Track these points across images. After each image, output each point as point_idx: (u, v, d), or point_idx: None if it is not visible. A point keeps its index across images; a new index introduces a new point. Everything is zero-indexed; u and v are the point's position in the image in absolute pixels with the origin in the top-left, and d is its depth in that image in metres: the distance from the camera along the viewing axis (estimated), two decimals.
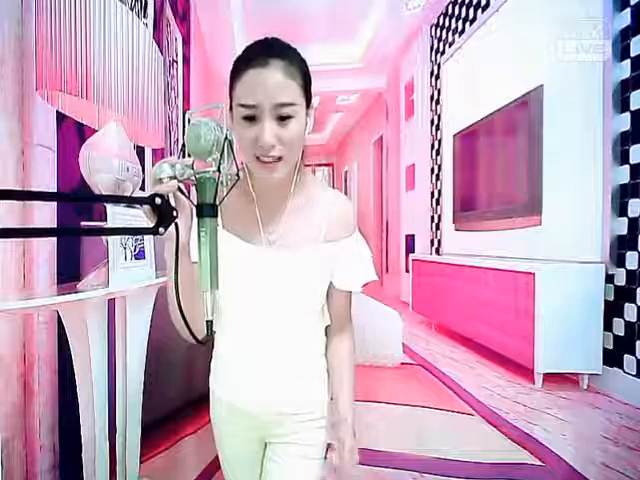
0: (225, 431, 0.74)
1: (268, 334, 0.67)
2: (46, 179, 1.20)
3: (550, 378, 2.35)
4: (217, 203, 0.51)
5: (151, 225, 0.48)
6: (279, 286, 0.64)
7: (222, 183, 0.51)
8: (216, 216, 0.51)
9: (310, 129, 0.62)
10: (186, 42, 3.78)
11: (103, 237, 0.99)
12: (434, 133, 4.65)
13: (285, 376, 0.68)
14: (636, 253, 2.10)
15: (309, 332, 0.70)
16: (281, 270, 0.63)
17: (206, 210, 0.50)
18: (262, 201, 0.65)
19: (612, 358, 2.23)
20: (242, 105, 0.55)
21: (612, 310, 2.24)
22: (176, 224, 0.50)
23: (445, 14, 4.30)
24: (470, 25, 3.71)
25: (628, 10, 2.15)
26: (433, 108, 4.65)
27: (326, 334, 0.75)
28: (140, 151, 2.16)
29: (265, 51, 0.55)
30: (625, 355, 2.16)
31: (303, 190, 0.67)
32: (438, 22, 4.49)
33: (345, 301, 0.73)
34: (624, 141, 2.18)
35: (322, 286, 0.68)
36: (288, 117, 0.55)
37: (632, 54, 2.13)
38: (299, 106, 0.56)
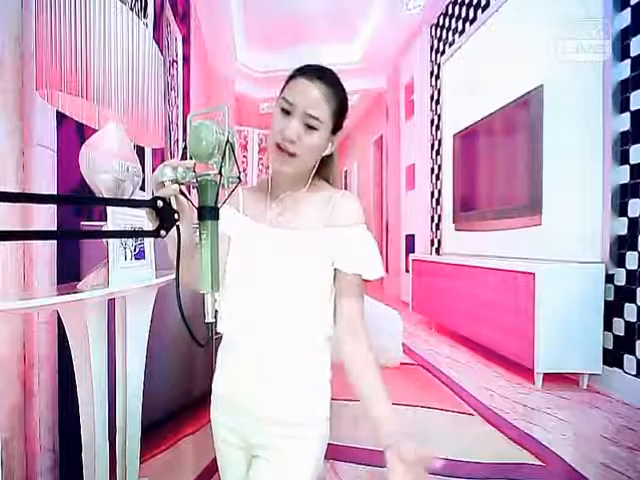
0: (220, 435, 0.74)
1: (267, 315, 0.66)
2: (46, 179, 1.20)
3: (550, 378, 2.35)
4: (218, 206, 0.51)
5: (153, 227, 0.48)
6: (281, 263, 0.67)
7: (223, 186, 0.51)
8: (217, 219, 0.51)
9: (329, 152, 0.71)
10: (186, 42, 3.77)
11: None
12: (434, 133, 4.64)
13: (277, 370, 0.67)
14: (636, 253, 2.10)
15: (308, 322, 0.68)
16: (284, 247, 0.67)
17: (207, 213, 0.50)
18: (277, 191, 0.73)
19: (612, 358, 2.23)
20: (284, 98, 0.66)
21: (612, 310, 2.24)
22: (177, 226, 0.50)
23: (445, 14, 4.30)
24: (470, 25, 3.71)
25: (628, 10, 2.15)
26: (433, 108, 4.65)
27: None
28: (140, 151, 2.16)
29: (318, 71, 0.67)
30: (625, 355, 2.16)
31: (316, 190, 0.73)
32: (438, 22, 4.48)
33: (353, 290, 0.69)
34: (624, 141, 2.18)
35: (322, 272, 0.67)
36: (313, 128, 0.65)
37: (632, 54, 2.13)
38: (324, 125, 0.66)
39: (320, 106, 0.65)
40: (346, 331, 0.69)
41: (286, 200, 0.72)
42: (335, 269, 0.68)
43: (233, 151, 0.51)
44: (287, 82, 0.69)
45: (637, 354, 2.08)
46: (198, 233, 0.51)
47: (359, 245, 0.68)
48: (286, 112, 0.65)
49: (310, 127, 0.65)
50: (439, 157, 4.46)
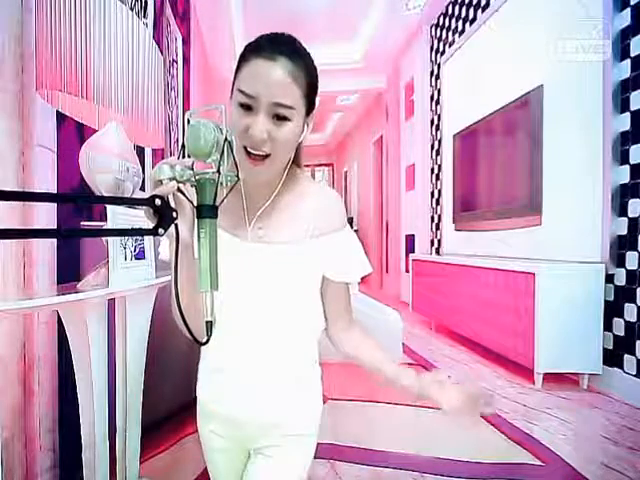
0: (210, 445, 0.72)
1: (255, 331, 0.64)
2: (46, 179, 1.20)
3: (550, 378, 2.35)
4: (217, 204, 0.51)
5: (151, 226, 0.48)
6: (266, 281, 0.62)
7: (222, 184, 0.51)
8: (216, 217, 0.51)
9: (306, 135, 0.62)
10: (186, 42, 3.78)
11: (103, 237, 0.99)
12: (434, 133, 4.65)
13: (271, 380, 0.66)
14: (636, 253, 2.10)
15: (298, 333, 0.67)
16: (269, 264, 0.62)
17: (206, 211, 0.50)
18: (251, 196, 0.64)
19: (612, 358, 2.23)
20: (242, 91, 0.55)
21: (612, 310, 2.24)
22: (176, 225, 0.50)
23: (445, 14, 4.30)
24: (470, 25, 3.71)
25: (628, 10, 2.15)
26: (433, 108, 4.65)
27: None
28: (140, 151, 2.16)
29: (277, 46, 0.55)
30: (625, 355, 2.16)
31: (294, 186, 0.66)
32: (438, 22, 4.49)
33: (345, 295, 0.71)
34: (624, 141, 2.18)
35: (310, 282, 0.66)
36: (284, 118, 0.55)
37: (632, 54, 2.13)
38: (297, 111, 0.56)
39: (289, 91, 0.54)
40: (340, 330, 0.71)
41: (265, 208, 0.64)
42: (324, 276, 0.67)
43: (232, 149, 0.51)
44: (240, 64, 0.56)
45: (637, 354, 2.08)
46: (196, 232, 0.51)
47: (346, 251, 0.67)
48: (247, 107, 0.55)
49: (281, 118, 0.55)
50: (439, 157, 4.46)
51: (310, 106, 0.60)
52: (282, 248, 0.62)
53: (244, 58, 0.56)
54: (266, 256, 0.62)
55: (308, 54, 0.59)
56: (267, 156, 0.57)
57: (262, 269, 0.62)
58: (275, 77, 0.53)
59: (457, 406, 0.59)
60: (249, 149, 0.56)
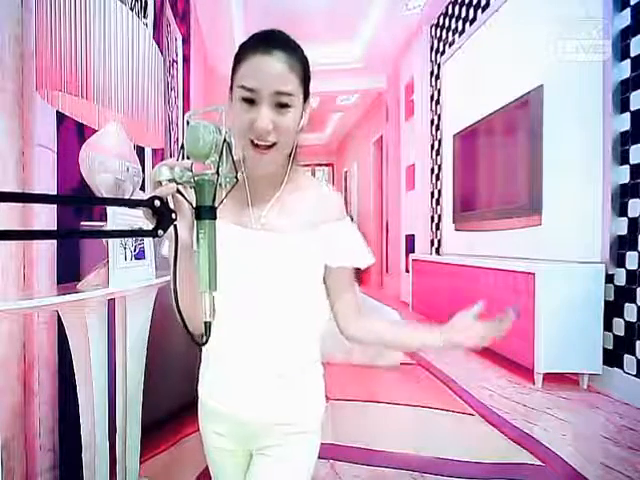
0: (211, 445, 0.72)
1: (257, 327, 0.64)
2: (46, 179, 1.20)
3: (550, 378, 2.35)
4: (216, 205, 0.51)
5: (150, 227, 0.48)
6: (269, 268, 0.63)
7: (221, 185, 0.51)
8: (215, 218, 0.51)
9: (305, 124, 0.65)
10: (186, 42, 3.78)
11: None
12: (434, 133, 4.65)
13: (273, 377, 0.65)
14: (636, 253, 2.10)
15: (301, 328, 0.67)
16: (271, 252, 0.63)
17: (205, 213, 0.50)
18: (254, 187, 0.67)
19: (612, 358, 2.23)
20: (243, 87, 0.57)
21: (612, 310, 2.24)
22: (175, 226, 0.50)
23: (445, 14, 4.30)
24: (470, 25, 3.71)
25: (628, 10, 2.15)
26: (433, 108, 4.65)
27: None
28: (140, 151, 2.16)
29: (270, 41, 0.58)
30: (625, 355, 2.16)
31: (296, 179, 0.69)
32: (438, 22, 4.49)
33: (349, 282, 0.71)
34: (624, 141, 2.18)
35: (312, 271, 0.66)
36: (286, 105, 0.58)
37: (632, 54, 2.13)
38: (297, 98, 0.60)
39: (288, 79, 0.58)
40: (350, 320, 0.72)
41: (267, 199, 0.66)
42: (326, 266, 0.68)
43: (230, 151, 0.51)
44: (237, 64, 0.60)
45: (637, 354, 2.08)
46: (196, 233, 0.51)
47: (348, 239, 0.68)
48: (249, 101, 0.58)
49: (283, 106, 0.58)
50: (439, 157, 4.46)
51: (306, 93, 0.63)
52: (287, 237, 0.64)
53: (241, 57, 0.59)
54: (272, 244, 0.63)
55: (300, 47, 0.62)
56: (273, 145, 0.59)
57: (267, 258, 0.63)
58: (274, 68, 0.57)
59: (479, 338, 0.67)
60: (255, 141, 0.59)
